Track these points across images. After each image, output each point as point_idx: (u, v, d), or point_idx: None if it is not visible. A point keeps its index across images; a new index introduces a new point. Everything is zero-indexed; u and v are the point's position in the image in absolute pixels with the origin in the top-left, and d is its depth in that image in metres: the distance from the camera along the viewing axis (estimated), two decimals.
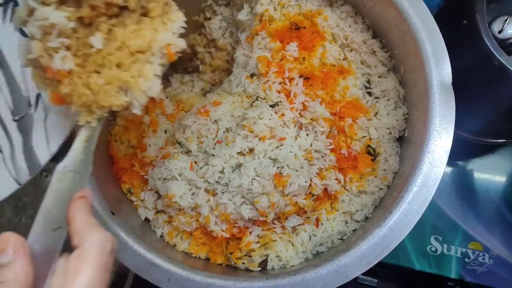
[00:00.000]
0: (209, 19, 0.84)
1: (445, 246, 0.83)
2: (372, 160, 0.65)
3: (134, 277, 0.92)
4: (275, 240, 0.62)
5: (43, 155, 0.55)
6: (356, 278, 0.91)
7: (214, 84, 0.87)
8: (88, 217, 0.41)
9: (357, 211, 0.64)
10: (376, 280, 0.90)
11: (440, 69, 0.58)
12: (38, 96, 0.59)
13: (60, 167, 0.45)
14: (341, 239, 0.64)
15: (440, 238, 0.84)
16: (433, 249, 0.83)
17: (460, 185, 0.87)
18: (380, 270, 0.89)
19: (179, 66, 0.89)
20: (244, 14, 0.76)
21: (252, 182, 0.59)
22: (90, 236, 0.39)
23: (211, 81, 0.87)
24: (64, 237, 0.41)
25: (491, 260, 0.81)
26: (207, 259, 0.65)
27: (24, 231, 0.40)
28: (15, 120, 0.60)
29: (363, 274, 0.90)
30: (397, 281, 0.94)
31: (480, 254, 0.82)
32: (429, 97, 0.57)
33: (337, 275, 0.53)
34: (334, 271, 0.54)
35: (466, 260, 0.82)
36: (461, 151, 0.89)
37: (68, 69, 0.44)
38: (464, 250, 0.82)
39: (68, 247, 0.40)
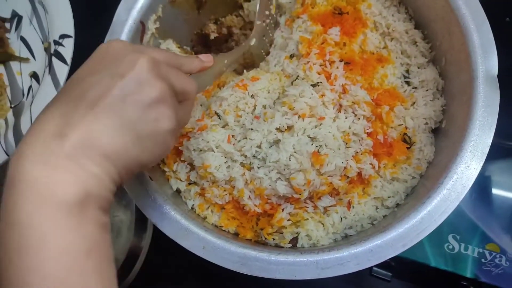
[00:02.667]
0: (249, 0, 0.84)
1: (463, 245, 0.83)
2: (408, 148, 0.66)
3: (146, 257, 0.92)
4: (307, 219, 0.62)
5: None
6: (371, 270, 0.93)
7: (247, 68, 0.87)
8: None
9: (388, 197, 0.65)
10: (391, 274, 0.91)
11: (487, 60, 0.58)
12: (29, 88, 0.85)
13: None
14: (371, 224, 0.64)
15: (458, 237, 0.84)
16: (450, 247, 0.83)
17: (482, 186, 0.87)
18: (395, 264, 0.90)
19: (214, 47, 0.89)
20: None
21: (289, 158, 0.59)
22: None
23: (244, 63, 0.87)
24: None
25: (507, 262, 0.81)
26: (236, 234, 0.65)
27: None
28: (11, 107, 0.85)
29: (378, 267, 0.92)
30: (411, 277, 0.94)
31: (497, 256, 0.82)
32: (473, 87, 0.58)
33: (371, 254, 0.54)
34: (369, 250, 0.54)
35: (483, 260, 0.82)
36: None
37: None
38: (481, 250, 0.83)
39: None
